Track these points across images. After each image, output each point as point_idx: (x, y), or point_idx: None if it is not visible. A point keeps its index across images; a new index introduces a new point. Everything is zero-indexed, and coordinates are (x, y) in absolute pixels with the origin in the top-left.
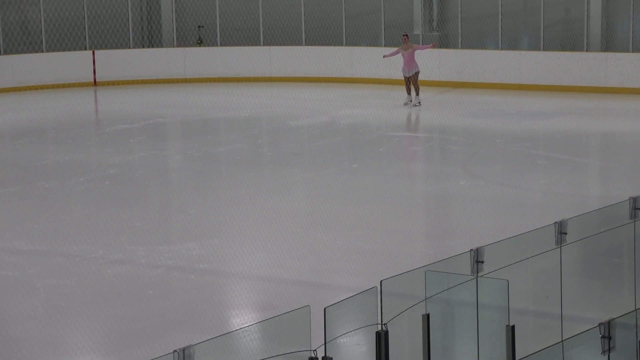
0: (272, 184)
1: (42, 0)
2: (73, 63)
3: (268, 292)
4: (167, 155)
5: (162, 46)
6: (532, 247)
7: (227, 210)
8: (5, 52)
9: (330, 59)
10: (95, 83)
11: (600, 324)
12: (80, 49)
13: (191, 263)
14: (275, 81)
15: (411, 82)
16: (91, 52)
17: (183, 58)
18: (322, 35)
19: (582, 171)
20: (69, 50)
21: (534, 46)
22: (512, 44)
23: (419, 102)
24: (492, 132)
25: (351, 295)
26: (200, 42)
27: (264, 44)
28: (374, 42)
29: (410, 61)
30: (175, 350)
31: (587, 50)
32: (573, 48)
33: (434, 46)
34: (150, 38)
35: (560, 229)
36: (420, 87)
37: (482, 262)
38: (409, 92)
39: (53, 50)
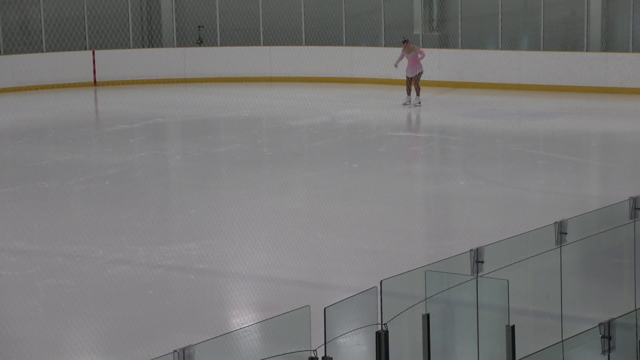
0: (272, 184)
1: (42, 0)
2: (73, 63)
3: (268, 292)
4: (167, 155)
5: (162, 46)
6: (532, 247)
7: (227, 210)
8: (5, 52)
9: (330, 59)
10: (95, 83)
11: (600, 324)
12: (80, 49)
13: (191, 263)
14: (275, 81)
15: (412, 82)
16: (91, 52)
17: (183, 58)
18: (322, 35)
19: (582, 171)
20: (69, 50)
21: (534, 46)
22: (512, 44)
23: (419, 102)
24: (492, 132)
25: (351, 295)
26: (200, 42)
27: (264, 44)
28: (374, 42)
29: (413, 62)
30: (175, 350)
31: (587, 50)
32: (573, 48)
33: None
34: (150, 38)
35: (560, 229)
36: (420, 87)
37: (482, 262)
38: (408, 93)
39: (53, 50)
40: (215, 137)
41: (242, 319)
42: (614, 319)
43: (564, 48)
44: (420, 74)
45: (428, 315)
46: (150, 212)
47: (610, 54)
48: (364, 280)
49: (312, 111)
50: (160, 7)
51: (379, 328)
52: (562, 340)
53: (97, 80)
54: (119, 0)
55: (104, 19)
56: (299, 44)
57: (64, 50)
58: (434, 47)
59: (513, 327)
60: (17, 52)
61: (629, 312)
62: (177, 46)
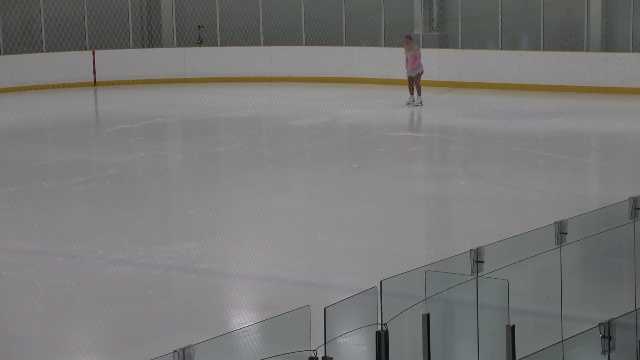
0: (272, 184)
1: (42, 1)
2: (73, 63)
3: (268, 292)
4: (167, 155)
5: (162, 46)
6: (532, 247)
7: (227, 210)
8: (6, 52)
9: (330, 59)
10: (95, 83)
11: (600, 324)
12: (80, 49)
13: (191, 263)
14: (275, 81)
15: (414, 82)
16: (91, 52)
17: (183, 58)
18: (322, 35)
19: (582, 171)
20: (69, 50)
21: (534, 46)
22: (512, 44)
23: (421, 102)
24: (492, 132)
25: (351, 295)
26: (200, 42)
27: (264, 44)
28: (374, 42)
29: (414, 62)
30: (175, 350)
31: (587, 50)
32: (573, 48)
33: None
34: (150, 38)
35: (560, 229)
36: (421, 87)
37: (482, 262)
38: (411, 92)
39: (53, 50)
40: (215, 137)
41: (242, 319)
42: (614, 319)
43: (563, 48)
44: (420, 74)
45: (428, 315)
46: (150, 212)
47: (610, 54)
48: (364, 280)
49: (312, 111)
50: (160, 7)
51: (379, 328)
52: (562, 340)
53: (97, 80)
54: (119, 0)
55: (104, 19)
56: (299, 44)
57: (64, 50)
58: (434, 47)
59: (513, 327)
60: (17, 52)
61: (629, 312)
62: (177, 46)
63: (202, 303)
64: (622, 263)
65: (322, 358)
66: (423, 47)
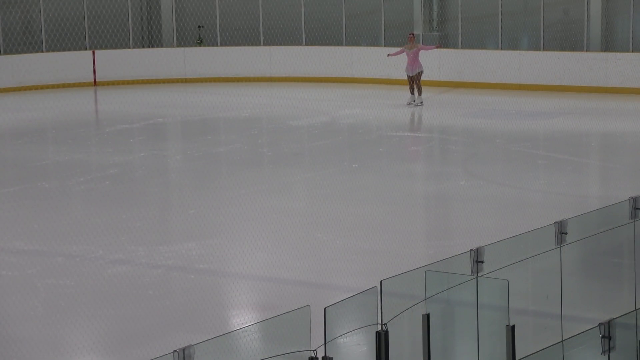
0: (272, 184)
1: (42, 1)
2: (73, 63)
3: (268, 292)
4: (167, 155)
5: (162, 46)
6: (532, 247)
7: (227, 210)
8: (6, 52)
9: (330, 59)
10: (95, 83)
11: (600, 324)
12: (80, 49)
13: (191, 263)
14: (275, 81)
15: (414, 81)
16: (91, 52)
17: (183, 58)
18: (322, 35)
19: (582, 171)
20: (69, 50)
21: (534, 46)
22: (512, 44)
23: (421, 102)
24: (492, 132)
25: (351, 295)
26: (200, 42)
27: (264, 44)
28: (374, 42)
29: (414, 61)
30: (175, 350)
31: (587, 50)
32: (573, 48)
33: (438, 47)
34: (150, 38)
35: (560, 229)
36: (422, 87)
37: (482, 262)
38: (412, 92)
39: (53, 50)
40: (215, 137)
41: (242, 319)
42: (614, 319)
43: (563, 48)
44: (420, 73)
45: (428, 315)
46: (150, 212)
47: (610, 54)
48: (364, 280)
49: (312, 111)
50: (160, 7)
51: (379, 328)
52: (562, 340)
53: (97, 80)
54: (119, 0)
55: (104, 19)
56: (299, 44)
57: (64, 50)
58: (439, 48)
59: (513, 327)
60: (17, 52)
61: (629, 312)
62: (177, 46)
63: (202, 303)
64: (622, 263)
65: (322, 358)
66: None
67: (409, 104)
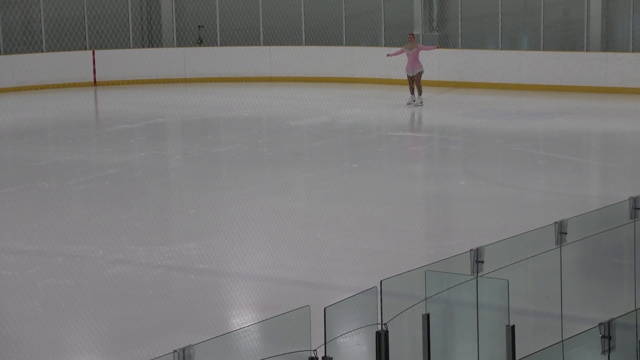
0: (272, 184)
1: (42, 1)
2: (73, 63)
3: (268, 292)
4: (167, 155)
5: (162, 46)
6: (532, 247)
7: (227, 210)
8: (6, 52)
9: (330, 59)
10: (95, 83)
11: (600, 324)
12: (80, 49)
13: (191, 263)
14: (275, 81)
15: (414, 81)
16: (91, 52)
17: (183, 58)
18: (322, 35)
19: (582, 171)
20: (69, 50)
21: (534, 46)
22: (512, 44)
23: (421, 102)
24: (492, 132)
25: (351, 295)
26: (200, 42)
27: (264, 44)
28: (374, 42)
29: (414, 61)
30: (175, 350)
31: (587, 50)
32: (573, 48)
33: (438, 47)
34: (150, 38)
35: (560, 229)
36: (422, 87)
37: (482, 262)
38: (412, 92)
39: (53, 50)
40: (215, 137)
41: (242, 319)
42: (614, 319)
43: (563, 48)
44: (420, 73)
45: (428, 315)
46: (150, 212)
47: (610, 54)
48: (364, 280)
49: (312, 111)
50: (160, 7)
51: (379, 328)
52: (562, 340)
53: (97, 80)
54: (119, 0)
55: (104, 19)
56: (299, 44)
57: (64, 50)
58: (439, 48)
59: (513, 327)
60: (17, 52)
61: (629, 312)
62: (177, 46)
63: (202, 303)
64: (622, 263)
65: (322, 358)
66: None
67: (409, 104)
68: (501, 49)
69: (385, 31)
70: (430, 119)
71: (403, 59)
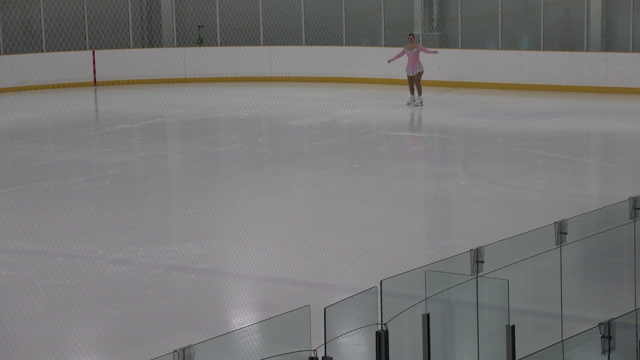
0: (272, 184)
1: (42, 0)
2: (73, 63)
3: (268, 292)
4: (167, 155)
5: (162, 46)
6: (532, 247)
7: (227, 210)
8: (6, 52)
9: (330, 59)
10: (95, 83)
11: (600, 324)
12: (80, 49)
13: (191, 263)
14: (275, 81)
15: (414, 81)
16: (91, 52)
17: (183, 58)
18: (322, 35)
19: (582, 171)
20: (69, 50)
21: (534, 46)
22: (512, 44)
23: (421, 102)
24: (492, 132)
25: (351, 295)
26: (200, 42)
27: (264, 44)
28: (374, 42)
29: (414, 61)
30: (175, 350)
31: (587, 50)
32: (573, 48)
33: (435, 52)
34: (150, 38)
35: (560, 229)
36: (422, 87)
37: (482, 262)
38: (412, 92)
39: (53, 50)
40: (215, 137)
41: (242, 319)
42: (614, 319)
43: (563, 48)
44: (420, 73)
45: (428, 315)
46: (150, 212)
47: (610, 54)
48: (364, 280)
49: (312, 111)
50: (160, 7)
51: (379, 328)
52: (562, 340)
53: (97, 80)
54: (119, 0)
55: (104, 19)
56: (299, 43)
57: (64, 50)
58: (434, 47)
59: (513, 327)
60: (17, 51)
61: (629, 312)
62: (177, 46)
63: (202, 303)
64: (622, 263)
65: (322, 358)
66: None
67: (408, 104)
68: (501, 49)
69: (385, 31)
70: (430, 119)
71: (403, 59)
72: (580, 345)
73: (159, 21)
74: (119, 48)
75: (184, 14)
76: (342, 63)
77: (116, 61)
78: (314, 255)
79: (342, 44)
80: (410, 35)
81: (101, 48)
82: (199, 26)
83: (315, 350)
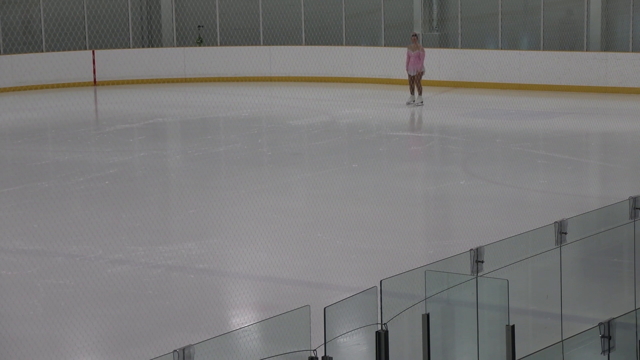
0: (272, 184)
1: (42, 0)
2: (73, 63)
3: (268, 292)
4: (167, 155)
5: (162, 46)
6: (532, 247)
7: (227, 210)
8: (6, 52)
9: (330, 59)
10: (95, 83)
11: (600, 324)
12: (80, 49)
13: (191, 263)
14: (275, 81)
15: (415, 81)
16: (91, 52)
17: (183, 58)
18: (322, 35)
19: (582, 171)
20: (69, 50)
21: (534, 46)
22: (512, 44)
23: (421, 102)
24: (492, 132)
25: (351, 295)
26: (200, 42)
27: (264, 44)
28: (374, 42)
29: (416, 61)
30: (175, 350)
31: (587, 50)
32: (573, 48)
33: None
34: (150, 38)
35: (560, 229)
36: (422, 87)
37: (482, 262)
38: (412, 92)
39: (53, 50)
40: (215, 137)
41: (242, 319)
42: (614, 319)
43: (563, 48)
44: (421, 73)
45: (428, 315)
46: (150, 212)
47: (610, 54)
48: (364, 280)
49: (312, 111)
50: (160, 7)
51: (379, 328)
52: (562, 340)
53: (97, 80)
54: (119, 0)
55: (104, 19)
56: (299, 43)
57: (64, 50)
58: (434, 47)
59: (513, 327)
60: (17, 51)
61: (629, 312)
62: (177, 46)
63: (202, 303)
64: (622, 263)
65: (322, 358)
66: (423, 47)
67: (408, 103)
68: (501, 49)
69: (385, 31)
70: (430, 119)
71: (404, 58)
72: (580, 345)
73: (158, 21)
74: (118, 48)
75: (183, 14)
76: (342, 63)
77: (116, 61)
78: (314, 255)
79: (342, 44)
80: (413, 35)
81: (101, 48)
82: (199, 26)
83: (315, 350)
